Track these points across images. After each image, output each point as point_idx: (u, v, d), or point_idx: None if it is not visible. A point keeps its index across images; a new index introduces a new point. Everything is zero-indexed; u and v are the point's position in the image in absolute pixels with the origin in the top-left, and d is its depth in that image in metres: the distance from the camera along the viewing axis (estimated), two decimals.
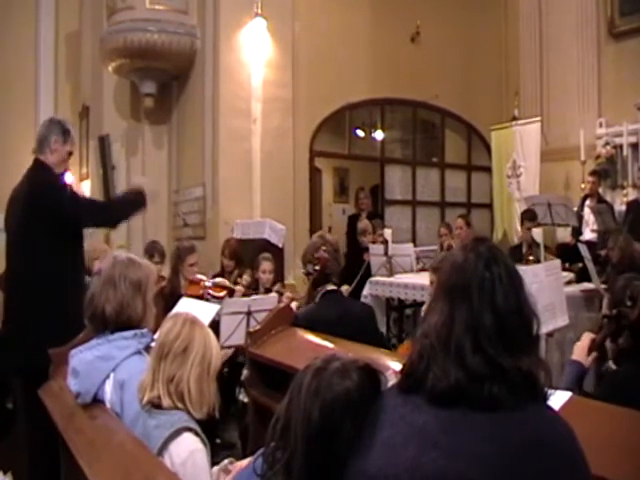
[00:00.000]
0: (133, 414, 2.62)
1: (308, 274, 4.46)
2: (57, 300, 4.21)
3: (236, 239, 7.99)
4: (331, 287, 4.37)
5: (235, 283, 6.86)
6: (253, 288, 6.77)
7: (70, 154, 4.51)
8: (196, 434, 2.45)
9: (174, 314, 2.74)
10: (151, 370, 2.57)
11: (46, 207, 4.20)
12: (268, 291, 6.54)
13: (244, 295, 6.17)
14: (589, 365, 3.17)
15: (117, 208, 4.82)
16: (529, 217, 8.31)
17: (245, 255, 7.61)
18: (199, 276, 6.26)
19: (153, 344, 3.00)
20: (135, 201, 4.69)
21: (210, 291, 6.01)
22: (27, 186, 4.33)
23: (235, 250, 7.50)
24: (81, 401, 2.90)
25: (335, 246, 4.54)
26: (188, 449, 2.39)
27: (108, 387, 2.89)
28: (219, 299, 5.76)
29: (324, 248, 4.35)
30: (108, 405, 2.87)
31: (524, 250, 7.98)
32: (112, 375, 2.89)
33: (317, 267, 4.30)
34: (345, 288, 8.15)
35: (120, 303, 3.01)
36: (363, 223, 9.28)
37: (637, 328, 3.11)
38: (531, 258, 7.26)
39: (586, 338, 3.23)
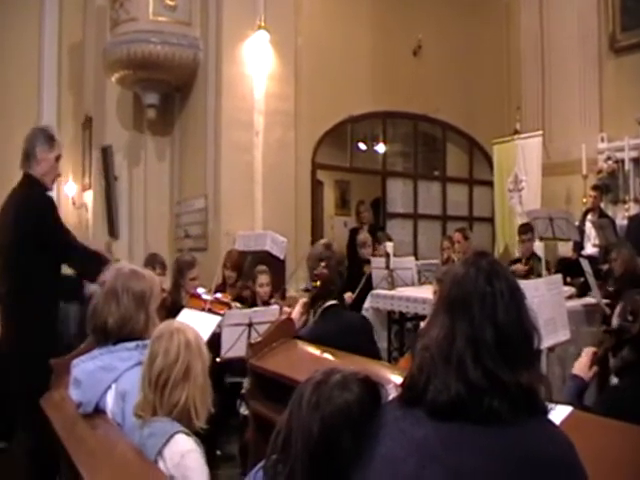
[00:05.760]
0: (133, 424, 2.62)
1: (306, 290, 4.42)
2: (38, 317, 4.17)
3: (238, 250, 7.98)
4: (331, 302, 4.33)
5: (239, 296, 6.86)
6: (251, 301, 6.77)
7: (58, 158, 4.45)
8: (189, 436, 2.45)
9: (156, 336, 2.64)
10: (149, 399, 2.54)
11: (32, 228, 4.15)
12: (266, 304, 6.53)
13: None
14: (590, 379, 3.18)
15: (96, 265, 4.53)
16: (522, 230, 8.34)
17: (246, 267, 7.62)
18: (199, 291, 6.26)
19: None
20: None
21: (210, 307, 6.00)
22: (15, 203, 4.28)
23: (237, 262, 7.49)
24: (82, 411, 2.90)
25: (339, 258, 4.47)
26: (180, 451, 2.39)
27: (110, 397, 2.89)
28: (219, 315, 5.76)
29: (323, 264, 4.30)
30: (109, 415, 2.87)
31: (522, 264, 7.99)
32: (114, 386, 2.89)
33: (317, 284, 4.26)
34: (348, 295, 8.20)
35: (123, 316, 3.00)
36: (363, 235, 9.26)
37: (638, 342, 3.11)
38: (531, 275, 7.27)
39: (587, 354, 3.24)
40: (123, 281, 3.06)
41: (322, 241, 4.84)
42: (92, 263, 4.39)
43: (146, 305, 3.07)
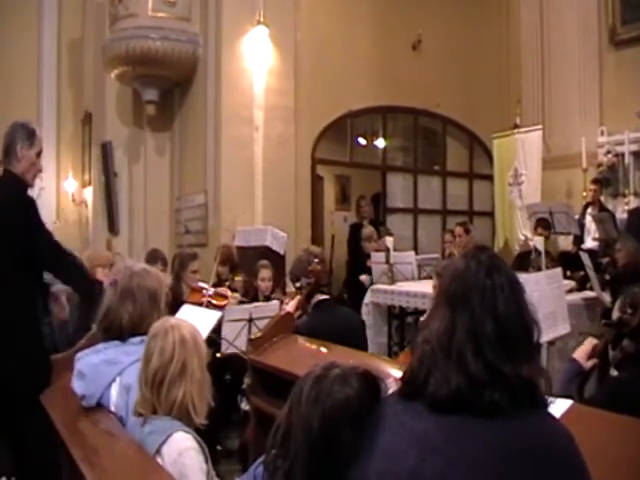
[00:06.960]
0: (134, 419, 2.62)
1: (300, 288, 4.53)
2: (22, 314, 4.10)
3: (228, 245, 7.98)
4: (322, 297, 4.47)
5: (230, 288, 6.85)
6: (252, 296, 6.76)
7: (39, 154, 4.27)
8: (188, 434, 2.45)
9: (151, 334, 2.63)
10: (147, 398, 2.54)
11: (12, 224, 4.05)
12: (267, 299, 6.53)
13: (241, 303, 6.17)
14: (588, 369, 3.18)
15: (74, 268, 4.37)
16: (543, 225, 8.23)
17: (246, 262, 7.61)
18: (200, 284, 6.25)
19: None
20: (87, 285, 4.42)
21: (211, 300, 6.00)
22: None
23: (228, 257, 7.46)
24: (86, 404, 2.91)
25: (322, 257, 4.66)
26: (178, 449, 2.39)
27: (114, 391, 2.90)
28: (220, 308, 5.75)
29: (316, 260, 4.42)
30: (113, 409, 2.87)
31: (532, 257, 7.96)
32: (118, 379, 2.90)
33: (311, 280, 4.38)
34: (364, 277, 8.26)
35: (139, 315, 3.03)
36: (368, 230, 9.27)
37: (638, 335, 3.11)
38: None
39: (589, 342, 3.24)
40: (138, 281, 3.08)
41: (302, 248, 5.07)
42: (82, 277, 4.36)
43: (158, 302, 3.11)
